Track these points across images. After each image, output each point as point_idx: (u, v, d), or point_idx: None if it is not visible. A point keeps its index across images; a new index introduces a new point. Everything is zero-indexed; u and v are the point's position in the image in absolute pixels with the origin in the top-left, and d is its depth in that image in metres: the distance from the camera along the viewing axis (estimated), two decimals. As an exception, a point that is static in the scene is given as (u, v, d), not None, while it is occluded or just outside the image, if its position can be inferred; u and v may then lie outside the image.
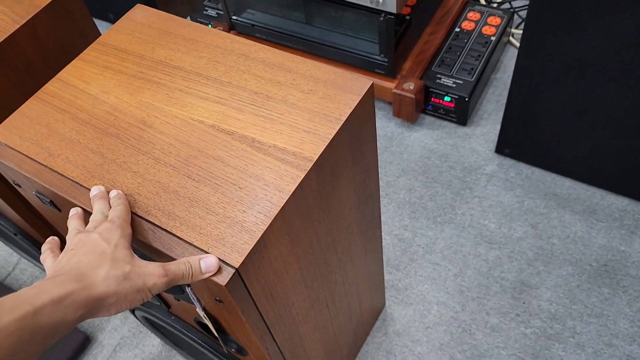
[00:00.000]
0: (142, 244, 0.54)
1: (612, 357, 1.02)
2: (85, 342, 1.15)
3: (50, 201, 0.64)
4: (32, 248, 1.01)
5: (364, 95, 0.61)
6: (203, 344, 0.78)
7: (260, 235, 0.52)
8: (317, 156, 0.57)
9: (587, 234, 1.17)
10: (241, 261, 0.51)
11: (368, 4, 1.18)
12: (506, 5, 1.63)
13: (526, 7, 1.60)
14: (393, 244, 1.21)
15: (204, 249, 0.52)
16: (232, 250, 0.51)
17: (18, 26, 0.77)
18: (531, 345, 1.05)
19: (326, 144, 0.58)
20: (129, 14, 0.76)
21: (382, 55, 1.30)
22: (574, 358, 1.03)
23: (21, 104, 0.67)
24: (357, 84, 0.62)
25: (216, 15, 1.60)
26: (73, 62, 0.71)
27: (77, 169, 0.60)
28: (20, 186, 0.67)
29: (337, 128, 0.59)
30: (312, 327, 0.77)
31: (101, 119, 0.64)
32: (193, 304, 0.62)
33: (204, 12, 1.62)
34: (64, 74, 0.70)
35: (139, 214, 0.55)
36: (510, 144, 1.28)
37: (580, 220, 1.19)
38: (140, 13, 0.76)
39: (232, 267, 0.50)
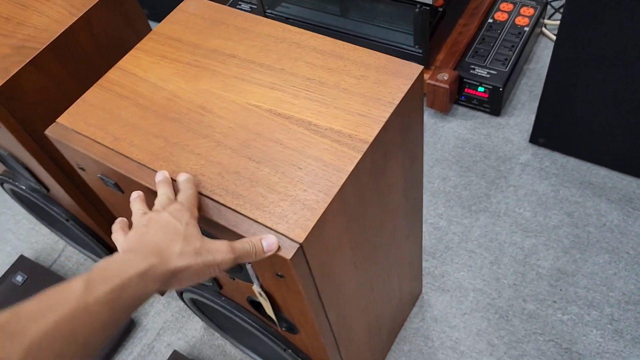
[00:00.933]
0: (208, 222, 0.57)
1: (651, 343, 1.03)
2: (131, 325, 1.19)
3: (115, 183, 0.67)
4: (82, 234, 1.05)
5: (415, 81, 0.63)
6: (253, 323, 0.80)
7: (321, 213, 0.54)
8: (372, 138, 0.59)
9: (623, 222, 1.17)
10: (304, 237, 0.53)
11: (404, -5, 1.20)
12: (538, -4, 1.62)
13: (559, -3, 1.60)
14: (429, 232, 1.23)
15: (269, 226, 0.54)
16: (295, 226, 0.54)
17: (75, 18, 0.80)
18: (568, 331, 1.06)
19: (380, 127, 0.60)
20: (181, 6, 0.79)
21: (416, 47, 1.32)
22: (612, 345, 1.04)
23: (77, 93, 0.70)
24: (407, 70, 0.64)
25: (249, 10, 1.63)
26: (131, 51, 0.74)
27: (142, 152, 0.63)
28: (84, 170, 0.71)
29: (391, 111, 0.61)
30: (358, 309, 0.79)
31: (161, 105, 0.67)
32: (250, 282, 0.65)
33: (238, 6, 1.65)
34: (123, 63, 0.73)
35: (204, 193, 0.58)
36: (545, 134, 1.29)
37: (617, 208, 1.19)
38: (192, 4, 0.79)
39: (296, 242, 0.53)
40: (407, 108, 0.64)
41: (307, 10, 1.44)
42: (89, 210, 0.96)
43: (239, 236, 0.55)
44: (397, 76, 0.64)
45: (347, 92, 0.63)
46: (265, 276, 0.62)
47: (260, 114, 0.64)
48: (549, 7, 1.57)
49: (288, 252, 0.53)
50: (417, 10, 1.22)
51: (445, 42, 1.42)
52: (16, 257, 1.36)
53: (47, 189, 0.96)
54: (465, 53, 1.40)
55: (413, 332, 1.11)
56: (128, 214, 0.62)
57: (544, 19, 1.51)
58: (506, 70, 1.34)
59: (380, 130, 0.60)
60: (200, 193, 0.58)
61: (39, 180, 0.94)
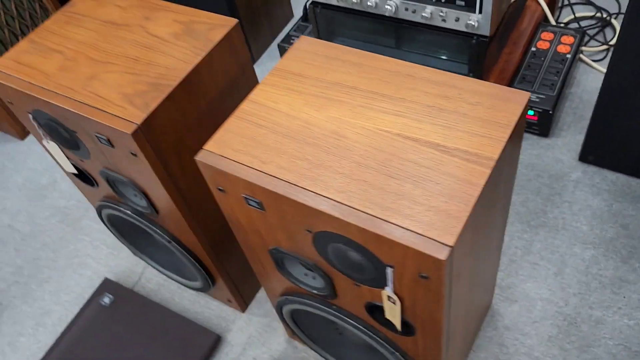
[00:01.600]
0: (363, 231, 0.66)
1: None
2: (217, 342, 1.27)
3: (259, 202, 0.76)
4: (182, 254, 1.13)
5: (525, 105, 0.73)
6: (365, 328, 0.88)
7: (465, 221, 0.63)
8: (497, 156, 0.68)
9: (676, 233, 1.26)
10: (454, 241, 0.62)
11: (463, 29, 1.30)
12: (574, 25, 1.74)
13: (593, 26, 1.71)
14: (492, 247, 1.31)
15: (420, 232, 0.63)
16: (444, 232, 0.63)
17: (200, 58, 0.90)
18: (636, 335, 1.14)
19: (503, 146, 0.69)
20: (295, 45, 0.89)
21: (470, 75, 1.42)
22: (678, 346, 1.11)
23: (198, 124, 0.79)
24: (517, 96, 0.74)
25: (303, 44, 1.74)
26: (258, 86, 0.84)
27: (290, 173, 0.72)
28: (223, 191, 0.80)
29: (509, 133, 0.70)
30: (462, 311, 0.87)
31: (297, 132, 0.76)
32: (381, 287, 0.73)
33: (291, 41, 1.77)
34: (253, 96, 0.83)
35: (357, 208, 0.67)
36: (595, 152, 1.38)
37: (668, 220, 1.28)
38: (305, 43, 0.89)
39: (448, 245, 0.62)
40: (518, 129, 0.74)
41: (363, 43, 1.55)
42: (196, 231, 1.04)
43: (393, 243, 0.64)
44: (509, 102, 0.73)
45: (466, 117, 0.73)
46: (402, 279, 0.70)
47: (391, 138, 0.73)
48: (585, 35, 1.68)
49: (442, 254, 0.61)
50: (474, 41, 1.32)
51: (493, 69, 1.52)
52: (97, 280, 1.45)
53: (157, 212, 1.05)
54: (513, 79, 1.50)
55: (487, 340, 1.19)
56: (261, 231, 0.71)
57: (582, 46, 1.62)
58: (554, 94, 1.44)
59: (502, 149, 0.69)
60: (353, 207, 0.67)
61: (152, 205, 1.02)
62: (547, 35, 1.58)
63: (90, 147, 0.97)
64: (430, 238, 0.63)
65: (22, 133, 1.82)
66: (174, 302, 1.37)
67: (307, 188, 0.70)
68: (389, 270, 0.70)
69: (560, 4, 1.79)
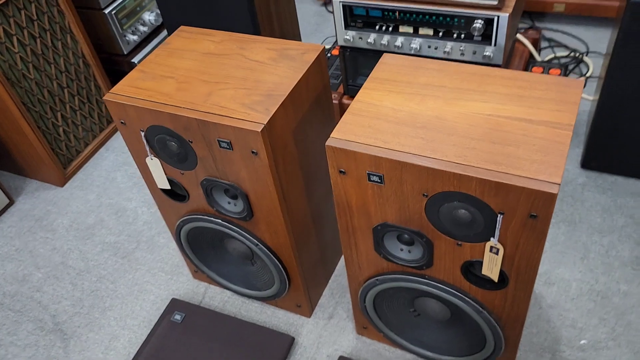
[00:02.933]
0: (485, 183, 0.83)
1: None
2: (292, 344, 1.37)
3: (380, 176, 0.92)
4: (268, 258, 1.25)
5: (582, 87, 0.95)
6: (455, 291, 1.03)
7: (562, 169, 0.82)
8: (573, 122, 0.89)
9: (674, 218, 1.49)
10: (559, 181, 0.80)
11: (480, 60, 1.55)
12: (555, 62, 2.05)
13: (570, 62, 2.02)
14: (523, 242, 1.50)
15: (531, 177, 0.81)
16: (550, 175, 0.81)
17: (301, 75, 1.09)
18: (660, 301, 1.33)
19: (575, 114, 0.90)
20: (381, 60, 1.09)
21: (484, 100, 1.66)
22: (695, 307, 1.31)
23: (298, 132, 0.95)
24: (574, 82, 0.96)
25: (335, 82, 1.96)
26: (361, 90, 1.02)
27: (410, 147, 0.90)
28: (344, 173, 0.96)
29: (577, 108, 0.91)
30: (536, 270, 1.04)
31: (405, 120, 0.95)
32: (484, 240, 0.90)
33: (314, 85, 1.98)
34: (360, 97, 1.01)
35: (478, 166, 0.85)
36: (595, 159, 1.62)
37: (665, 209, 1.52)
38: (390, 58, 1.09)
39: (556, 184, 0.80)
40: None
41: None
42: (289, 231, 1.18)
43: (510, 187, 0.81)
44: (569, 86, 0.95)
45: (541, 99, 0.94)
46: (510, 225, 0.87)
47: (485, 117, 0.92)
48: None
49: (553, 189, 0.79)
50: (488, 70, 1.57)
51: (499, 97, 1.77)
52: (161, 304, 1.53)
53: (252, 216, 1.18)
54: (516, 104, 1.75)
55: (535, 317, 1.35)
56: (371, 210, 0.87)
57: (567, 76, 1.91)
58: (553, 114, 1.70)
59: (575, 117, 0.89)
60: (471, 165, 0.85)
61: (249, 208, 1.16)
62: (537, 69, 1.86)
63: (201, 156, 1.11)
64: (541, 180, 0.81)
65: (62, 180, 1.91)
66: (241, 315, 1.47)
67: (428, 155, 0.88)
68: (499, 218, 0.87)
69: (539, 47, 2.11)
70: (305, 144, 1.17)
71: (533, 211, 0.84)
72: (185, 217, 1.30)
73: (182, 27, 1.28)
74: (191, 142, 1.09)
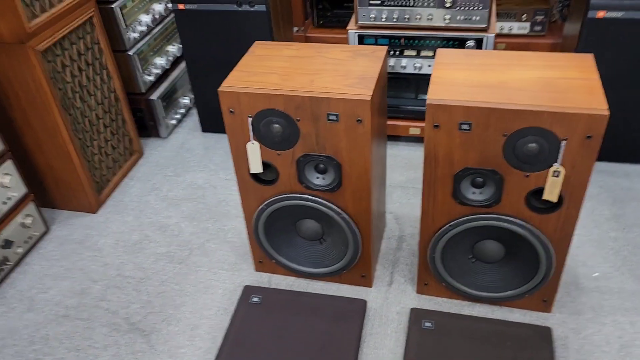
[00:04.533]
0: (552, 116, 1.16)
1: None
2: (365, 307, 1.57)
3: (469, 124, 1.22)
4: (349, 228, 1.48)
5: (593, 56, 1.33)
6: (520, 220, 1.33)
7: (606, 103, 1.17)
8: (597, 76, 1.26)
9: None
10: (607, 109, 1.15)
11: (474, 72, 1.95)
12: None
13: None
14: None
15: (588, 107, 1.15)
16: (600, 104, 1.16)
17: (380, 65, 1.39)
18: (641, 239, 1.72)
19: (596, 72, 1.27)
20: (438, 53, 1.42)
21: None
22: (666, 241, 1.70)
23: (378, 108, 1.25)
24: (585, 55, 1.34)
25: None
26: (435, 68, 1.34)
27: (494, 99, 1.21)
28: (439, 126, 1.25)
29: (595, 68, 1.29)
30: (573, 200, 1.37)
31: (479, 84, 1.27)
32: (548, 167, 1.22)
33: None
34: (435, 73, 1.32)
35: (544, 103, 1.17)
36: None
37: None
38: (444, 52, 1.42)
39: (605, 109, 1.14)
40: (591, 73, 1.33)
41: (389, 98, 2.13)
42: (371, 200, 1.43)
43: (573, 116, 1.15)
44: (583, 58, 1.33)
45: (567, 66, 1.30)
46: (570, 147, 1.20)
47: (536, 79, 1.27)
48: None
49: (604, 112, 1.14)
50: (478, 81, 1.97)
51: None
52: (232, 294, 1.67)
53: (340, 186, 1.42)
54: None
55: (565, 293, 1.66)
56: (455, 157, 1.19)
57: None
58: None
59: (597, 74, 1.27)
60: (542, 104, 1.17)
61: (340, 179, 1.40)
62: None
63: (305, 133, 1.35)
64: (593, 107, 1.15)
65: (96, 206, 2.01)
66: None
67: (508, 101, 1.20)
68: (563, 144, 1.19)
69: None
70: (380, 116, 1.45)
71: (589, 133, 1.17)
72: (270, 200, 1.50)
73: (257, 42, 1.54)
74: (298, 121, 1.33)
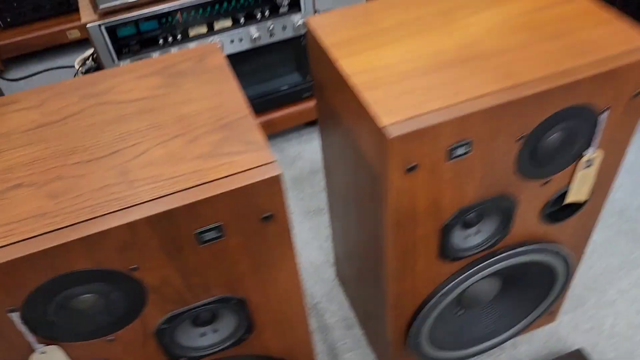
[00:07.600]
0: (594, 79, 0.65)
1: None
2: None
3: (469, 143, 0.65)
4: None
5: None
6: (532, 243, 0.84)
7: None
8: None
9: None
10: (654, 37, 0.68)
11: (291, 35, 1.34)
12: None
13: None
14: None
15: (629, 48, 0.67)
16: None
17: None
18: None
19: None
20: (310, 25, 0.78)
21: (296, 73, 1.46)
22: None
23: None
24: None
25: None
26: (339, 64, 0.71)
27: (487, 87, 0.65)
28: (416, 168, 0.64)
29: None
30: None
31: (432, 66, 0.69)
32: (579, 158, 0.73)
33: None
34: (347, 70, 0.69)
35: (570, 67, 0.65)
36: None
37: None
38: (316, 19, 0.79)
39: None
40: None
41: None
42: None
43: (621, 68, 0.65)
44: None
45: (525, -13, 0.80)
46: (612, 119, 0.72)
47: (510, 25, 0.74)
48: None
49: (662, 47, 0.67)
50: (302, 42, 1.37)
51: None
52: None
53: (252, 330, 0.74)
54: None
55: (582, 287, 1.22)
56: (445, 200, 0.63)
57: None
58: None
59: None
60: (570, 67, 0.65)
61: (249, 319, 0.72)
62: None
63: (154, 284, 0.62)
64: (637, 47, 0.67)
65: None
66: None
67: (513, 84, 0.65)
68: (602, 118, 0.71)
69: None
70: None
71: (638, 87, 0.70)
72: None
73: None
74: (135, 270, 0.59)
